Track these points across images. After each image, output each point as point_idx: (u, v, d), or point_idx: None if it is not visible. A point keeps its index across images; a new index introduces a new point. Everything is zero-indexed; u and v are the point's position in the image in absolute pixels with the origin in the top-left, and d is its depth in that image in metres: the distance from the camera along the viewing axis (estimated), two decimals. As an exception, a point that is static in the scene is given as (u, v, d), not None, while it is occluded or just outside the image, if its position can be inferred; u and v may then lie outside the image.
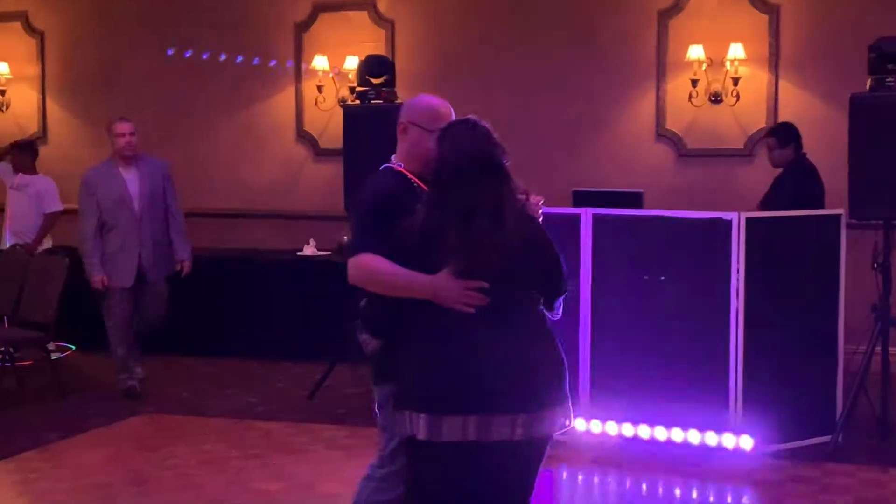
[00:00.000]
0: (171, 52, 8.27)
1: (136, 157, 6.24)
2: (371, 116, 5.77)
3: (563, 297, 2.81)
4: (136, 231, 6.14)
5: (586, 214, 5.17)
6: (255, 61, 8.18)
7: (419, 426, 2.66)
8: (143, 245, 6.17)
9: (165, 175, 6.33)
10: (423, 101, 3.03)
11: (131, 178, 6.20)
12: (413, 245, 2.71)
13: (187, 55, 8.30)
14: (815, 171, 5.99)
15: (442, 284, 2.69)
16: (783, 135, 6.15)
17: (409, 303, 2.73)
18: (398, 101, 5.88)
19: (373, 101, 5.94)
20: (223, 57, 8.23)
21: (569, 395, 2.78)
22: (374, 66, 5.93)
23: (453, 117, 2.95)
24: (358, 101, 5.99)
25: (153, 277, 6.24)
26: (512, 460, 2.68)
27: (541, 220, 2.84)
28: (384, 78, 5.95)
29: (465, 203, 2.63)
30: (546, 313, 2.81)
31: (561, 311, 2.84)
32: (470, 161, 2.68)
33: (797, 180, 5.98)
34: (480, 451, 2.64)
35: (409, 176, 2.95)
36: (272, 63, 8.20)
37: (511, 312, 2.71)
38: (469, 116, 2.81)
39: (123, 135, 6.17)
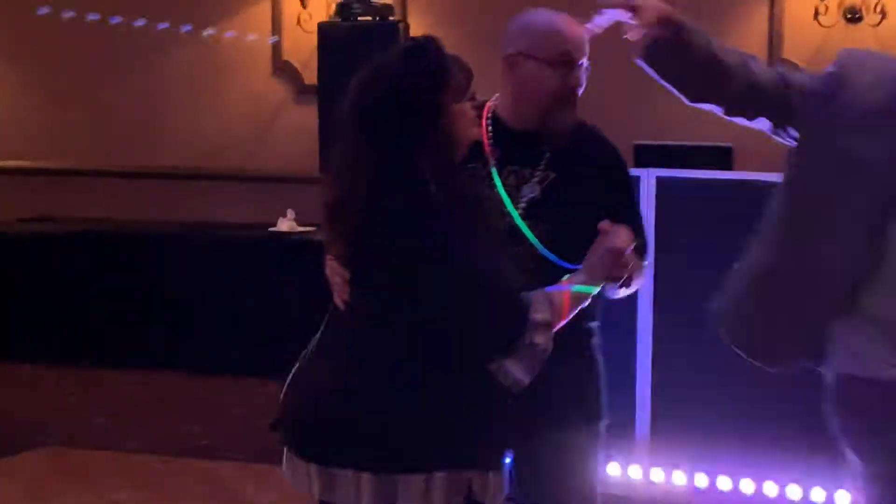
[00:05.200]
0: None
1: None
2: (356, 39, 5.74)
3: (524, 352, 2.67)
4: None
5: (648, 177, 5.10)
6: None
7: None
8: None
9: None
10: (536, 19, 3.11)
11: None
12: None
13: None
14: None
15: (327, 265, 2.82)
16: None
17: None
18: (395, 18, 5.83)
19: (360, 19, 5.88)
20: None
21: (487, 460, 2.71)
22: None
23: (583, 43, 3.05)
24: (339, 19, 5.92)
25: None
26: None
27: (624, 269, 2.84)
28: None
29: (335, 163, 2.71)
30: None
31: (517, 370, 2.68)
32: (350, 106, 2.68)
33: None
34: None
35: (484, 120, 3.07)
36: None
37: (378, 327, 2.69)
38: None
39: None
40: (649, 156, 5.57)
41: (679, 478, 5.09)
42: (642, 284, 3.22)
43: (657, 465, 5.12)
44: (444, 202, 2.59)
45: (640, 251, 3.07)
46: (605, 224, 2.80)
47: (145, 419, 6.45)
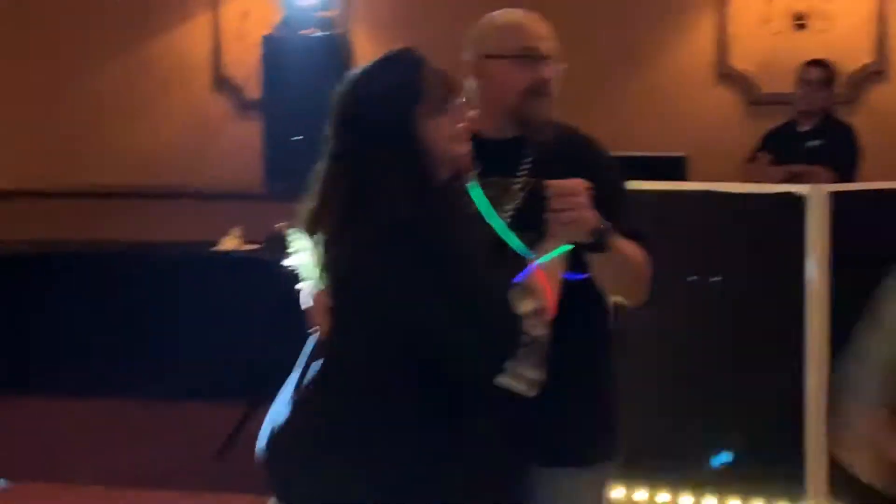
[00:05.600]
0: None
1: None
2: (300, 53, 5.69)
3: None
4: None
5: None
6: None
7: None
8: None
9: None
10: (494, 19, 3.04)
11: None
12: None
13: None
14: None
15: (307, 292, 2.78)
16: (831, 69, 6.48)
17: None
18: (340, 30, 5.80)
19: (301, 32, 5.84)
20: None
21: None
22: None
23: (549, 36, 2.98)
24: (282, 32, 5.89)
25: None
26: None
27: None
28: None
29: (316, 179, 2.65)
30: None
31: (528, 371, 2.57)
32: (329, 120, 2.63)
33: (853, 137, 6.28)
34: None
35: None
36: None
37: (335, 360, 2.64)
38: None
39: None
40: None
41: (640, 494, 4.99)
42: (645, 286, 2.99)
43: (617, 482, 4.96)
44: (414, 220, 2.48)
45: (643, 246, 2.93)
46: (550, 182, 2.66)
47: (80, 449, 6.35)
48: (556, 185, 2.64)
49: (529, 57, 2.94)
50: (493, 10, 3.10)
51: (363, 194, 2.52)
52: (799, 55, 7.14)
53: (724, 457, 4.91)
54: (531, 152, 2.96)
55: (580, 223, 2.67)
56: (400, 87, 2.58)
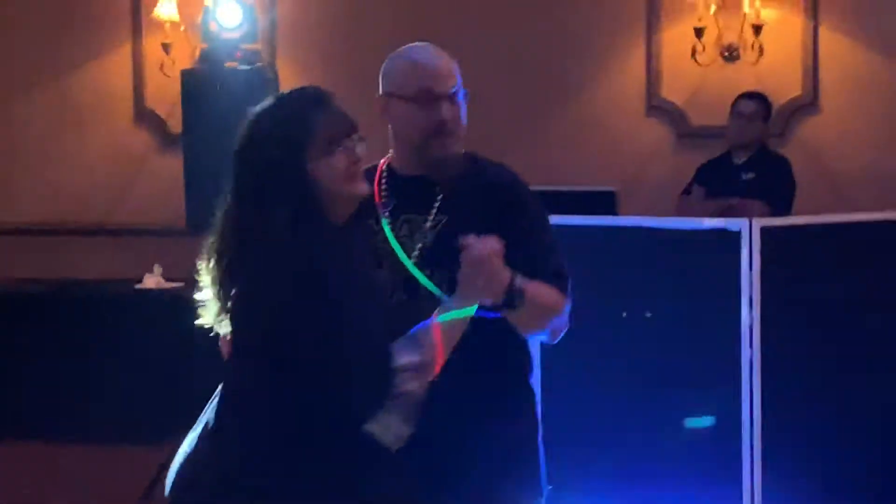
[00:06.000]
0: None
1: None
2: (221, 86, 5.66)
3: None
4: None
5: None
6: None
7: None
8: None
9: None
10: (397, 57, 3.03)
11: None
12: None
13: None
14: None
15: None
16: (766, 101, 6.55)
17: None
18: (261, 63, 5.79)
19: (226, 65, 5.87)
20: None
21: None
22: (224, 13, 5.81)
23: (448, 73, 2.95)
24: (203, 66, 5.85)
25: None
26: None
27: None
28: (241, 30, 5.82)
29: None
30: None
31: (395, 423, 2.56)
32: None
33: (788, 170, 6.35)
34: None
35: (378, 173, 3.02)
36: None
37: (248, 400, 2.66)
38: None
39: None
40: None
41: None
42: (561, 323, 3.02)
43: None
44: (293, 259, 2.51)
45: (557, 286, 2.93)
46: (467, 238, 2.65)
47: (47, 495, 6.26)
48: (468, 253, 2.63)
49: (426, 98, 2.91)
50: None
51: (251, 230, 2.56)
52: (729, 87, 7.21)
53: (705, 420, 4.90)
54: (443, 189, 2.95)
55: (491, 290, 2.67)
56: (290, 125, 2.61)
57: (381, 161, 3.05)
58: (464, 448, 2.87)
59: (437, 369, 2.58)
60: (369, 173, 2.94)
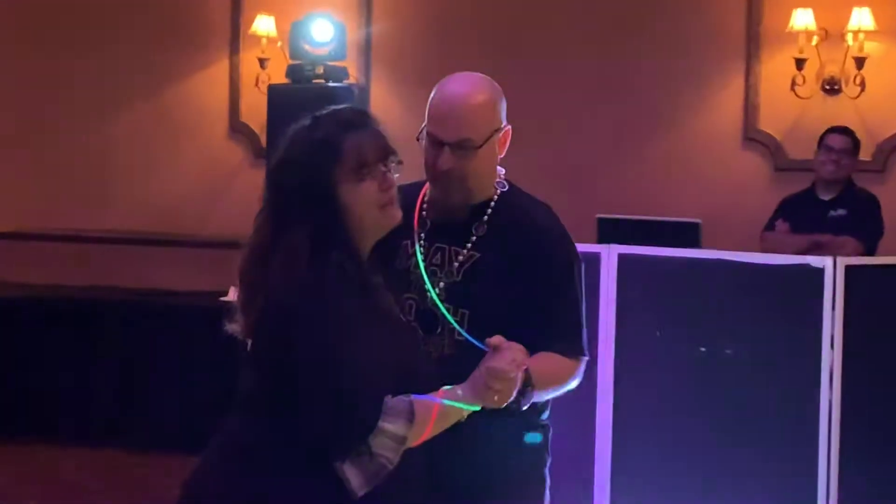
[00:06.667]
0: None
1: None
2: (307, 103, 5.61)
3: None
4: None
5: (609, 253, 4.99)
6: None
7: None
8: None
9: None
10: (436, 87, 3.00)
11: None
12: None
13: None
14: None
15: None
16: (855, 137, 6.42)
17: None
18: (348, 80, 5.78)
19: (314, 81, 5.83)
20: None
21: None
22: (313, 30, 5.81)
23: (459, 119, 2.90)
24: (289, 81, 5.87)
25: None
26: None
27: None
28: (329, 47, 5.82)
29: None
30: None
31: (354, 477, 2.52)
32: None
33: (878, 209, 6.23)
34: None
35: (423, 194, 3.01)
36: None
37: (249, 413, 2.69)
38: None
39: None
40: (613, 230, 5.47)
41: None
42: (574, 381, 3.01)
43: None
44: (311, 284, 2.51)
45: (570, 353, 2.91)
46: (494, 339, 2.61)
47: (86, 502, 6.30)
48: (493, 365, 2.60)
49: (432, 142, 2.91)
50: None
51: (272, 249, 2.58)
52: (829, 121, 7.11)
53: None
54: (479, 227, 2.93)
55: (503, 398, 2.64)
56: (319, 147, 2.60)
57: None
58: (472, 480, 2.87)
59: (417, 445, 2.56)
60: (415, 189, 2.95)
